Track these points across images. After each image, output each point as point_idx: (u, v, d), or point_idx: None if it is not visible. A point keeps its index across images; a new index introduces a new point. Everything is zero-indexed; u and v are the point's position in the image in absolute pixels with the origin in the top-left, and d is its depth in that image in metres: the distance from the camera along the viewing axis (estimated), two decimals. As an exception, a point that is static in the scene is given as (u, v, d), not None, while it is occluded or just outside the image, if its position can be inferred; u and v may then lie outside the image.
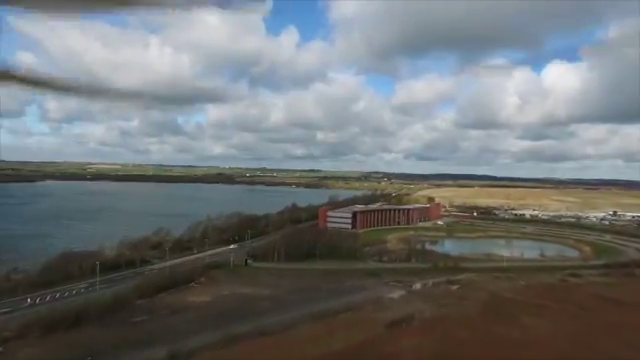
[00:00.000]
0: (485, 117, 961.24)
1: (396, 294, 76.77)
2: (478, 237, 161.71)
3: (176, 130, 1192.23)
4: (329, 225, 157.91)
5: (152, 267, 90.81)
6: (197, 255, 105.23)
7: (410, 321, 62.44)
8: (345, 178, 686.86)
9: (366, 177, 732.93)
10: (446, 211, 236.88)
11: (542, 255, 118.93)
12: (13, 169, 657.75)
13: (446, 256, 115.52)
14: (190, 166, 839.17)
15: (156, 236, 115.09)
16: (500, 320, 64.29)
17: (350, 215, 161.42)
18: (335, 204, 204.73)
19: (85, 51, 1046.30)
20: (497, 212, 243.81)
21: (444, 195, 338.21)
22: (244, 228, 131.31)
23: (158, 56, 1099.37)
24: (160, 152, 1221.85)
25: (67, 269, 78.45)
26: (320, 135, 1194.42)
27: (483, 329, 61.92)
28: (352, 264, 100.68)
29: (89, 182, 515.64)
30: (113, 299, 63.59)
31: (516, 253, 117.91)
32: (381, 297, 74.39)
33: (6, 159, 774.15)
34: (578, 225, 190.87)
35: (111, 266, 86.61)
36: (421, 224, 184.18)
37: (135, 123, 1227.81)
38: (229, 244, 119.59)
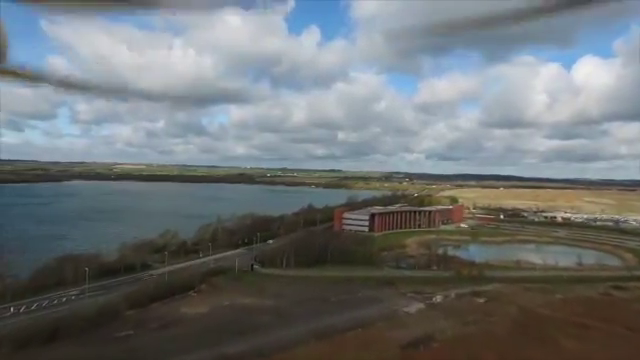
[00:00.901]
0: (511, 116, 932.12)
1: (414, 308, 68.65)
2: (505, 242, 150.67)
3: (200, 131, 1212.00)
4: (345, 227, 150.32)
5: (152, 272, 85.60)
6: (202, 259, 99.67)
7: (429, 342, 54.50)
8: (366, 178, 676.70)
9: (387, 177, 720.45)
10: (470, 213, 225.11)
11: (579, 263, 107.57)
12: (43, 169, 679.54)
13: (470, 263, 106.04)
14: (213, 166, 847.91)
15: (162, 238, 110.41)
16: (533, 342, 55.62)
17: (367, 217, 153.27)
18: (352, 205, 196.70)
19: (112, 54, 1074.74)
20: (525, 214, 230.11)
21: (467, 196, 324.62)
22: (255, 230, 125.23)
23: (182, 58, 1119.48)
24: (184, 153, 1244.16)
25: (61, 274, 73.86)
26: (341, 135, 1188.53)
27: (513, 353, 53.58)
28: (367, 271, 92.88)
29: (114, 182, 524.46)
30: (99, 310, 58.14)
31: (549, 260, 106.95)
32: (396, 311, 66.45)
33: (38, 159, 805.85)
34: (617, 229, 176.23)
35: (109, 271, 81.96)
36: (443, 227, 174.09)
37: (160, 124, 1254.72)
38: (238, 247, 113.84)
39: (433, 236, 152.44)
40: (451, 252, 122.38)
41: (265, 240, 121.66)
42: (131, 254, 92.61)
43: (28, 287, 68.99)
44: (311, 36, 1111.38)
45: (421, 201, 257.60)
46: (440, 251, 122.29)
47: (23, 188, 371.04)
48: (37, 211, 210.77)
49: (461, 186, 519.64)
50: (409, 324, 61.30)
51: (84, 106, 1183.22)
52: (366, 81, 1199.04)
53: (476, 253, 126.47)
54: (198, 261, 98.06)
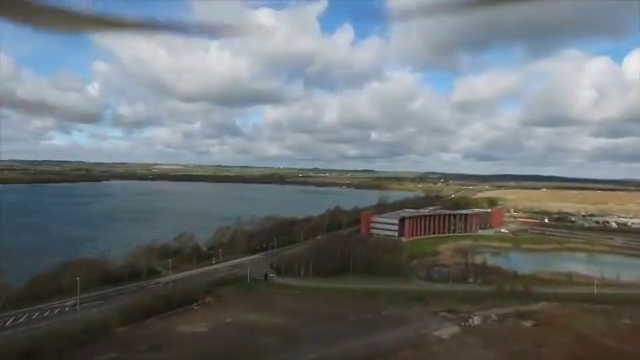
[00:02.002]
0: (555, 113, 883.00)
1: (447, 332, 58.20)
2: (552, 249, 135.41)
3: (234, 132, 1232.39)
4: (373, 232, 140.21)
5: (158, 280, 79.50)
6: (215, 266, 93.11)
7: (464, 381, 44.41)
8: (399, 179, 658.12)
9: (422, 178, 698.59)
10: (510, 216, 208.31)
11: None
12: (86, 169, 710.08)
13: (513, 275, 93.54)
14: (247, 167, 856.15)
15: (177, 242, 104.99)
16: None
17: (397, 221, 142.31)
18: (382, 207, 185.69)
19: (152, 59, 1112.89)
20: (573, 218, 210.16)
21: (507, 197, 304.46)
22: (276, 234, 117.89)
23: (218, 60, 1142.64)
24: (220, 153, 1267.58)
25: (61, 281, 68.89)
26: (375, 135, 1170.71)
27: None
28: (393, 283, 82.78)
29: (150, 182, 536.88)
30: (86, 326, 51.91)
31: (608, 274, 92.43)
32: (426, 336, 56.30)
33: (84, 160, 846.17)
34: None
35: (113, 277, 76.61)
36: (481, 232, 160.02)
37: (197, 126, 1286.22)
38: (256, 252, 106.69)
39: (469, 242, 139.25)
40: (490, 261, 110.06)
41: (285, 245, 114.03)
42: (141, 259, 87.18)
43: (23, 296, 64.38)
44: (344, 35, 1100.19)
45: (457, 203, 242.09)
46: (478, 260, 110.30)
47: (65, 188, 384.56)
48: (72, 211, 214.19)
49: (500, 187, 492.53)
50: (440, 353, 51.18)
51: (126, 109, 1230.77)
52: (401, 80, 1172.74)
53: (519, 262, 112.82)
54: (210, 267, 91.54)
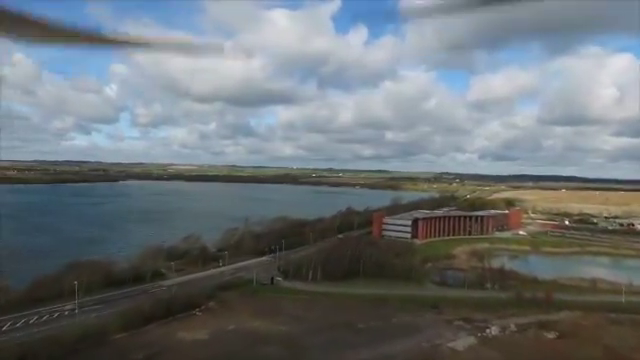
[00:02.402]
0: (574, 112, 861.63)
1: (462, 343, 54.41)
2: (573, 253, 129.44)
3: (249, 132, 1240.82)
4: (385, 234, 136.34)
5: (162, 283, 77.44)
6: (222, 268, 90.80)
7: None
8: (414, 179, 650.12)
9: (436, 178, 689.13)
10: (529, 218, 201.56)
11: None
12: (104, 170, 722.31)
13: (533, 280, 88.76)
14: (261, 167, 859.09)
15: (184, 243, 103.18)
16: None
17: (410, 222, 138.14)
18: (395, 208, 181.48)
19: (168, 61, 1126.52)
20: (595, 220, 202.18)
21: (525, 198, 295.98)
22: (286, 235, 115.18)
23: (232, 61, 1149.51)
24: (234, 153, 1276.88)
25: (63, 284, 67.31)
26: (389, 135, 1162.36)
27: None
28: (405, 288, 79.07)
29: (166, 182, 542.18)
30: (84, 332, 49.90)
31: (636, 280, 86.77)
32: (439, 347, 52.66)
33: (103, 160, 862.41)
34: None
35: (117, 280, 74.90)
36: (498, 234, 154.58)
37: (212, 126, 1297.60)
38: (264, 255, 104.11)
39: (486, 245, 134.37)
40: (508, 265, 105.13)
41: (295, 247, 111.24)
42: (147, 261, 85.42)
43: (24, 299, 62.97)
44: (358, 34, 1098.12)
45: (472, 204, 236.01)
46: (495, 263, 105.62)
47: (83, 188, 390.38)
48: (88, 211, 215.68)
49: (517, 188, 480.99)
50: (455, 368, 47.54)
51: (143, 110, 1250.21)
52: (415, 79, 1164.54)
53: (538, 267, 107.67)
54: (217, 270, 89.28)
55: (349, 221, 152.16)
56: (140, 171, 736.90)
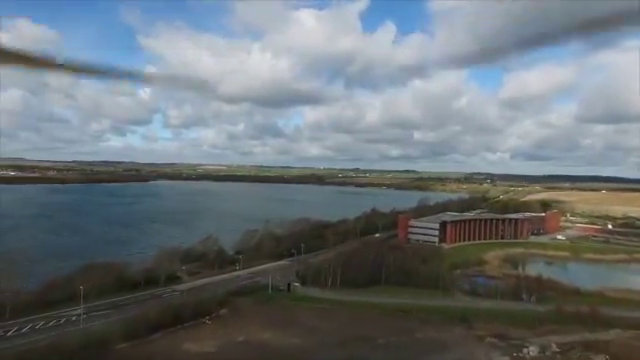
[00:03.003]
0: (615, 109, 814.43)
1: (495, 365, 48.37)
2: (619, 260, 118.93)
3: (276, 132, 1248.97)
4: (410, 237, 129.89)
5: (175, 287, 74.83)
6: (238, 272, 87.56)
7: None
8: (443, 179, 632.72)
9: (466, 178, 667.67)
10: (567, 221, 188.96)
11: None
12: (137, 170, 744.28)
13: (575, 291, 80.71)
14: (287, 167, 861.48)
15: (202, 245, 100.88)
16: None
17: (438, 225, 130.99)
18: (422, 210, 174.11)
19: (197, 62, 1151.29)
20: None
21: (562, 200, 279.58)
22: (306, 238, 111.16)
23: (260, 62, 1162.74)
24: (261, 154, 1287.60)
25: (75, 287, 65.59)
26: (417, 134, 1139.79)
27: None
28: (432, 298, 73.15)
29: (195, 182, 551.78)
30: (85, 342, 47.26)
31: (695, 294, 77.16)
32: (469, 369, 46.88)
33: (137, 161, 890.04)
34: None
35: (129, 284, 72.83)
36: (534, 239, 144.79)
37: (240, 127, 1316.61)
38: (283, 258, 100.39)
39: (520, 250, 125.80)
40: (545, 272, 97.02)
41: (315, 250, 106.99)
42: (163, 264, 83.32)
43: (33, 302, 61.46)
44: (386, 32, 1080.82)
45: (505, 205, 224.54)
46: (531, 271, 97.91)
47: (116, 188, 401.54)
48: (117, 211, 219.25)
49: (553, 188, 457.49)
50: (487, 395, 41.71)
51: (175, 112, 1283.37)
52: (445, 77, 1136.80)
53: (580, 276, 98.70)
54: (233, 274, 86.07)
55: (373, 223, 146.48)
56: (171, 171, 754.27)
